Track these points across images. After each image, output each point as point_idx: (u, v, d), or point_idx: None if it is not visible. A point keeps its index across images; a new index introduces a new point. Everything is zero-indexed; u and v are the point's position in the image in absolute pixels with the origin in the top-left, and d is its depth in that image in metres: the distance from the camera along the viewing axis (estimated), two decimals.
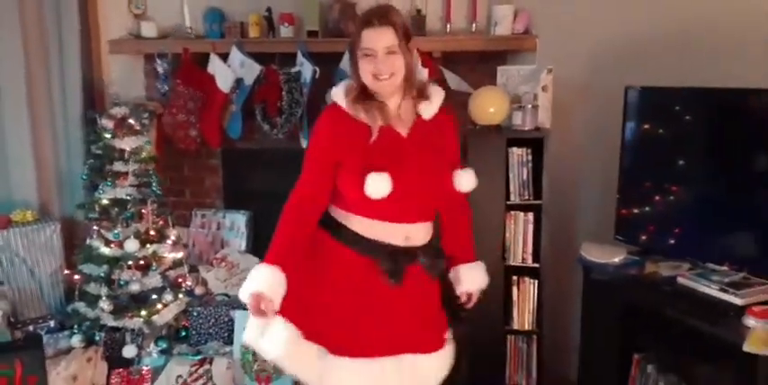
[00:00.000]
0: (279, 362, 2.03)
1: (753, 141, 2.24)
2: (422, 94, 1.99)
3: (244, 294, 1.89)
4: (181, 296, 3.29)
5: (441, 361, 2.08)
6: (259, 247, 3.68)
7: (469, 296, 2.14)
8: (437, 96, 2.01)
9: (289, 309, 1.94)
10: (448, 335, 2.13)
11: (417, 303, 2.03)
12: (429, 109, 1.99)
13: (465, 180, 1.98)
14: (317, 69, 3.25)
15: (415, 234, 1.97)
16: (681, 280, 2.29)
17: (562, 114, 3.13)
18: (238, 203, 3.74)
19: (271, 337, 1.96)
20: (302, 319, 1.97)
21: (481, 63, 3.32)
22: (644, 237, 2.57)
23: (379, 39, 1.85)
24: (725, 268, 2.26)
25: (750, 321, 2.02)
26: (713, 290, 2.18)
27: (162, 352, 3.21)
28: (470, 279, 2.13)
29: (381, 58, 1.85)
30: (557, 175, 3.08)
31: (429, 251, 2.01)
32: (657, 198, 2.52)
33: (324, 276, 1.99)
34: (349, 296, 1.98)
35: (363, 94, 1.93)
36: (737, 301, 2.11)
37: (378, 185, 1.83)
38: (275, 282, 1.88)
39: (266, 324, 1.95)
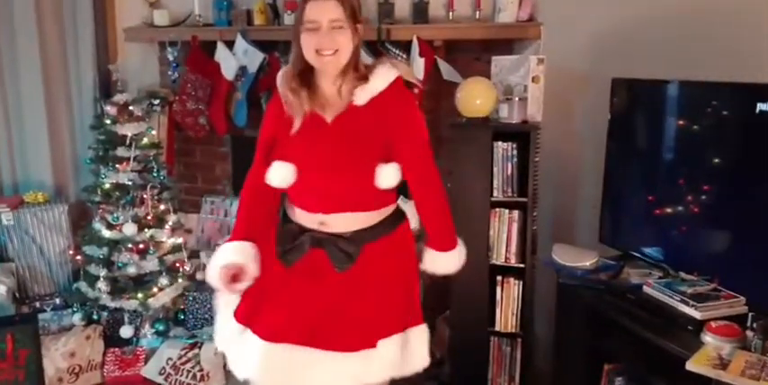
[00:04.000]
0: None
1: (738, 144, 2.05)
2: (361, 76, 1.83)
3: (211, 272, 1.88)
4: (180, 280, 3.36)
5: (344, 364, 1.86)
6: None
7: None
8: (381, 79, 1.81)
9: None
10: (382, 346, 1.88)
11: (329, 294, 1.89)
12: (365, 93, 1.81)
13: (383, 176, 1.83)
14: None
15: (333, 222, 1.87)
16: (646, 288, 2.12)
17: (563, 107, 2.97)
18: None
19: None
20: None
21: (486, 52, 3.17)
22: (624, 241, 2.41)
23: (324, 11, 1.74)
24: (693, 278, 2.07)
25: (706, 337, 1.85)
26: (675, 302, 2.00)
27: (158, 334, 3.30)
28: (427, 263, 2.04)
29: (325, 32, 1.74)
30: (553, 171, 2.94)
31: (339, 241, 1.86)
32: (639, 200, 2.36)
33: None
34: (264, 270, 1.94)
35: (301, 76, 1.83)
36: (696, 315, 1.93)
37: (278, 174, 1.82)
38: (243, 252, 1.88)
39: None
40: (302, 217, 1.91)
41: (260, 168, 1.93)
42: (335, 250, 1.86)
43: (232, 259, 1.87)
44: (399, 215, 2.00)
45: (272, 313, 1.89)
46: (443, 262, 2.04)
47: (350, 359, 1.85)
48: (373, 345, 1.88)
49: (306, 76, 1.85)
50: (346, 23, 1.77)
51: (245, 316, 1.94)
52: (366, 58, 2.65)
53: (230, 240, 1.95)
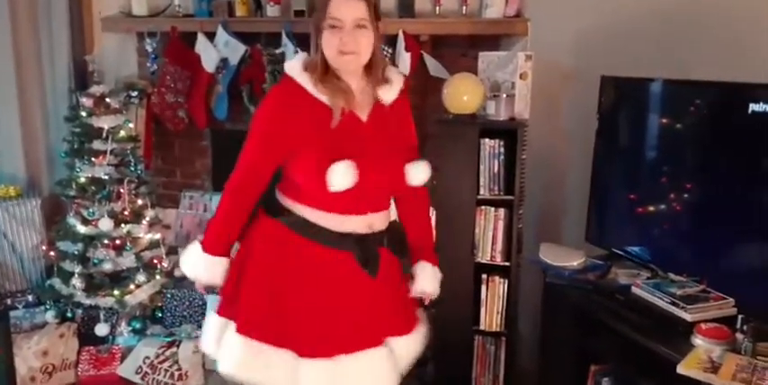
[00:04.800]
0: (232, 377, 1.90)
1: (729, 145, 2.03)
2: (384, 78, 1.84)
3: (191, 276, 1.97)
4: (158, 277, 3.28)
5: (416, 340, 2.00)
6: None
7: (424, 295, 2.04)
8: (397, 81, 1.87)
9: (248, 318, 1.86)
10: (419, 313, 2.05)
11: (387, 287, 1.92)
12: (389, 93, 1.85)
13: (416, 172, 1.83)
14: (300, 50, 3.15)
15: (377, 221, 1.87)
16: (635, 289, 2.10)
17: (550, 104, 2.94)
18: None
19: (225, 351, 1.88)
20: (270, 324, 1.85)
21: (473, 48, 3.13)
22: (611, 240, 2.39)
23: (350, 9, 1.70)
24: (682, 279, 2.05)
25: (696, 340, 1.83)
26: (664, 303, 1.99)
27: (135, 332, 3.23)
28: (426, 280, 2.01)
29: (349, 31, 1.70)
30: (540, 169, 2.91)
31: (393, 235, 1.92)
32: (627, 199, 2.34)
33: (290, 275, 1.86)
34: (319, 293, 1.85)
35: (326, 74, 1.77)
36: (687, 317, 1.91)
37: (342, 176, 1.70)
38: (220, 271, 1.90)
39: (224, 331, 1.89)
40: (347, 223, 1.83)
41: (254, 169, 1.83)
42: (396, 244, 1.92)
43: (214, 280, 1.92)
44: None
45: (350, 325, 1.86)
46: (435, 277, 2.03)
47: (417, 334, 1.99)
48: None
49: (332, 73, 1.78)
50: (369, 23, 1.73)
51: (322, 349, 1.85)
52: None
53: (210, 251, 1.89)
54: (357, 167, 1.71)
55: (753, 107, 1.89)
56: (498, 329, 2.78)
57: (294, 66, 1.80)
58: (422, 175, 1.84)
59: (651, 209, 2.26)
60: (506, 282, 2.72)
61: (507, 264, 2.72)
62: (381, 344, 1.89)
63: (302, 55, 1.87)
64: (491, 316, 2.78)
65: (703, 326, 1.85)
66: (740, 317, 1.86)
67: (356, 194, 1.75)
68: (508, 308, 2.74)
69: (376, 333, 1.89)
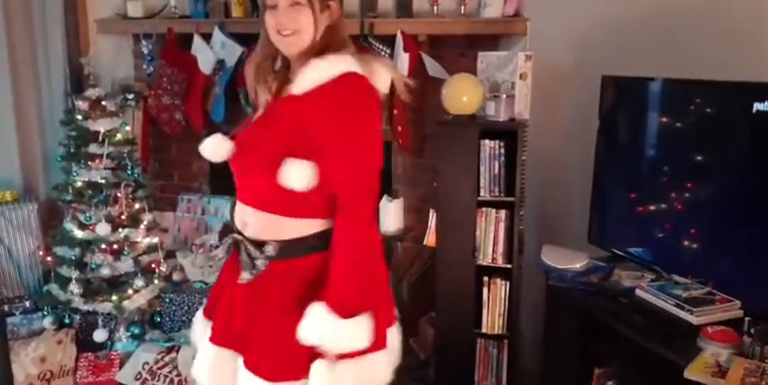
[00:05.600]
0: None
1: (732, 144, 2.00)
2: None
3: None
4: (156, 281, 3.25)
5: None
6: None
7: None
8: (318, 70, 1.55)
9: None
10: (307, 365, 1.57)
11: (240, 305, 1.69)
12: (303, 82, 1.56)
13: (289, 174, 1.54)
14: None
15: (250, 220, 1.65)
16: (639, 292, 2.07)
17: (550, 104, 2.91)
18: (225, 188, 3.65)
19: None
20: None
21: (471, 48, 3.11)
22: (614, 242, 2.36)
23: None
24: (688, 281, 2.02)
25: (703, 343, 1.80)
26: (669, 306, 1.96)
27: (134, 337, 3.20)
28: (308, 322, 1.55)
29: (283, 11, 1.59)
30: (542, 170, 2.89)
31: (251, 248, 1.61)
32: (629, 200, 2.31)
33: None
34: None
35: (266, 58, 1.68)
36: (692, 320, 1.88)
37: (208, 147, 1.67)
38: None
39: None
40: (235, 211, 1.74)
41: None
42: (245, 256, 1.63)
43: None
44: (324, 239, 1.59)
45: (218, 315, 1.79)
46: (323, 328, 1.53)
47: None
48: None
49: (275, 58, 1.69)
50: (306, 1, 1.59)
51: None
52: None
53: None
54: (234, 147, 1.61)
55: (757, 106, 1.86)
56: (500, 332, 2.75)
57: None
58: (293, 178, 1.53)
59: (654, 209, 2.24)
60: (508, 284, 2.69)
61: (509, 266, 2.69)
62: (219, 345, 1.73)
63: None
64: (493, 318, 2.75)
65: (710, 329, 1.82)
66: (747, 319, 1.83)
67: (236, 178, 1.70)
68: (510, 311, 2.72)
69: (221, 331, 1.73)
